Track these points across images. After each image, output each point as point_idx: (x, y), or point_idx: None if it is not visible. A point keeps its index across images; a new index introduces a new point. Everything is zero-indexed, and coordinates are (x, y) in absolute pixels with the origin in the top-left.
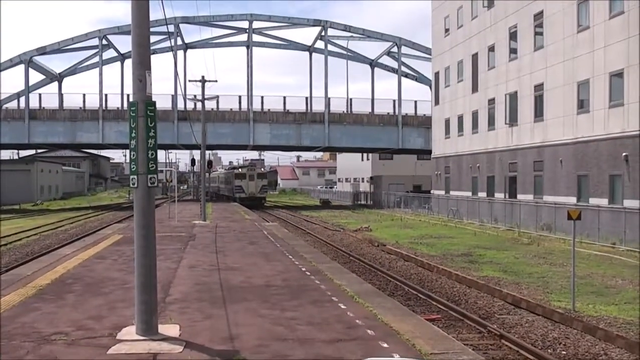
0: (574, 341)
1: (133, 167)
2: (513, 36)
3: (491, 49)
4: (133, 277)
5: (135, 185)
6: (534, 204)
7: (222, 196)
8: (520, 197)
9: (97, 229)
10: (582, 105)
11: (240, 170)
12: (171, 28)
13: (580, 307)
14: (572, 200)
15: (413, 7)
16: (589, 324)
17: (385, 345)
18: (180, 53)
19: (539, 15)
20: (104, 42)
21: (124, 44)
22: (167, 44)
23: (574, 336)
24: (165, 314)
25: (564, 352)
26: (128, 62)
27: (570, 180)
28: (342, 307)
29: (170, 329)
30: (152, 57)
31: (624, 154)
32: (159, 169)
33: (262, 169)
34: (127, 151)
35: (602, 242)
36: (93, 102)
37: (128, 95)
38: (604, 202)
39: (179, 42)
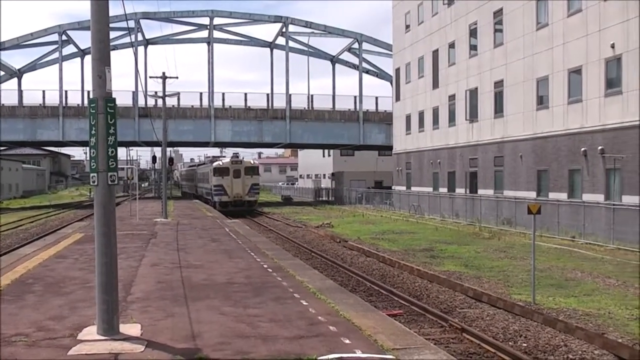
0: (535, 333)
1: (93, 165)
2: (473, 33)
3: (452, 45)
4: (94, 276)
5: (96, 183)
6: (495, 199)
7: (199, 197)
8: (481, 192)
9: (58, 227)
10: (542, 102)
11: (220, 163)
12: (131, 24)
13: (541, 300)
14: (532, 194)
15: (376, 4)
16: (549, 316)
17: (347, 341)
18: (140, 49)
19: (498, 13)
20: (64, 37)
21: (85, 39)
22: (127, 39)
23: (534, 328)
24: (127, 313)
25: (525, 345)
26: (88, 58)
27: (530, 175)
28: (304, 303)
29: (131, 329)
30: (113, 53)
31: (582, 149)
32: (120, 166)
33: (253, 161)
34: (88, 148)
35: (561, 236)
36: (53, 99)
37: (88, 92)
38: (563, 196)
39: (140, 38)
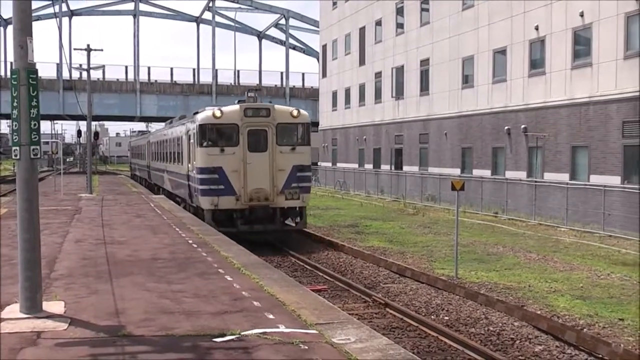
0: (456, 307)
1: (15, 138)
2: (400, 11)
3: (378, 23)
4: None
5: (18, 157)
6: (420, 176)
7: (152, 188)
8: (406, 168)
9: None
10: (467, 81)
11: (217, 112)
12: None
13: (463, 274)
14: (457, 171)
15: None
16: (471, 290)
17: (271, 316)
18: (65, 20)
19: None
20: None
21: (7, 8)
22: (51, 10)
23: (456, 302)
24: (51, 291)
25: (447, 318)
26: (11, 28)
27: (455, 152)
28: (229, 279)
29: (55, 306)
30: (37, 23)
31: (506, 127)
32: (44, 140)
33: (297, 111)
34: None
35: (485, 212)
36: None
37: (11, 63)
38: (487, 173)
39: (64, 8)
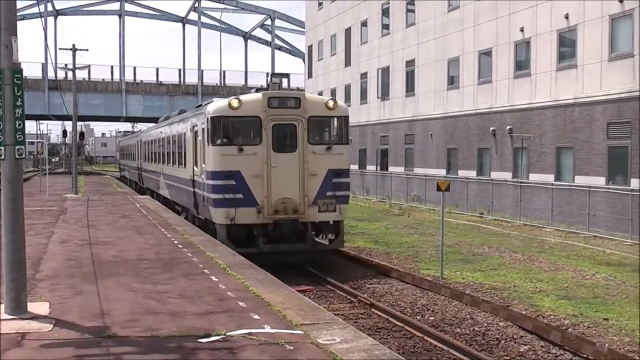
0: (442, 307)
1: (0, 138)
2: (385, 12)
3: (364, 24)
4: (2, 253)
5: (2, 157)
6: (405, 176)
7: (143, 192)
8: (391, 169)
9: None
10: (453, 82)
11: (234, 102)
12: None
13: (449, 275)
14: (442, 172)
15: None
16: (456, 290)
17: (256, 316)
18: (50, 20)
19: None
20: None
21: None
22: (36, 9)
23: (441, 302)
24: (36, 292)
25: (432, 318)
26: None
27: (441, 153)
28: (214, 279)
29: (40, 307)
30: (22, 23)
31: (491, 128)
32: (30, 140)
33: (333, 102)
34: None
35: (470, 212)
36: None
37: None
38: (472, 174)
39: (50, 8)
